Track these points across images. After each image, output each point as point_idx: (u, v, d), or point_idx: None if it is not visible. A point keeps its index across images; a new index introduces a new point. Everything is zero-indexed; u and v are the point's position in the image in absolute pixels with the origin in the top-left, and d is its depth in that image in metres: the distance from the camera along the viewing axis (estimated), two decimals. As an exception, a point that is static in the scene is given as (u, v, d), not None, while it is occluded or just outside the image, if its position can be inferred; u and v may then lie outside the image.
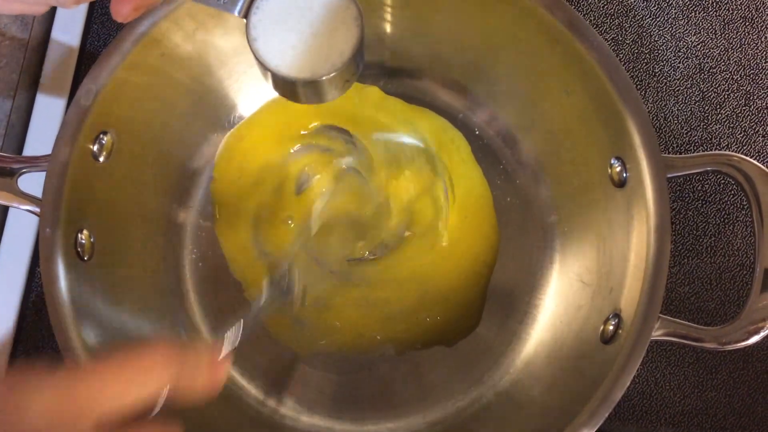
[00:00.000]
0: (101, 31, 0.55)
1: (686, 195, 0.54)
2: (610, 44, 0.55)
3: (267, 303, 0.47)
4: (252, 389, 0.50)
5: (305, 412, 0.50)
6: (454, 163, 0.52)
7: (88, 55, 0.55)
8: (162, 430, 0.29)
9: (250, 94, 0.52)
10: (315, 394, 0.50)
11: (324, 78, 0.35)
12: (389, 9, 0.49)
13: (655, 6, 0.56)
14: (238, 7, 0.34)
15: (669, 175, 0.42)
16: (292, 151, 0.52)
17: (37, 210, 0.42)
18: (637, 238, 0.43)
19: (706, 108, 0.55)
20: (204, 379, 0.31)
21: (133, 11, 0.32)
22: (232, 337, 0.36)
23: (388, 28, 0.51)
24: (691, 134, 0.54)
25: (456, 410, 0.49)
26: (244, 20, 0.34)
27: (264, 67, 0.35)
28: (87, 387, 0.27)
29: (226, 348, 0.35)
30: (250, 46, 0.34)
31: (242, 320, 0.37)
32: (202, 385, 0.31)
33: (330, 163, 0.52)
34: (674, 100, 0.55)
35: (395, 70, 0.53)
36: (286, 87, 0.36)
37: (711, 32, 0.56)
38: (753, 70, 0.55)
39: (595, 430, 0.40)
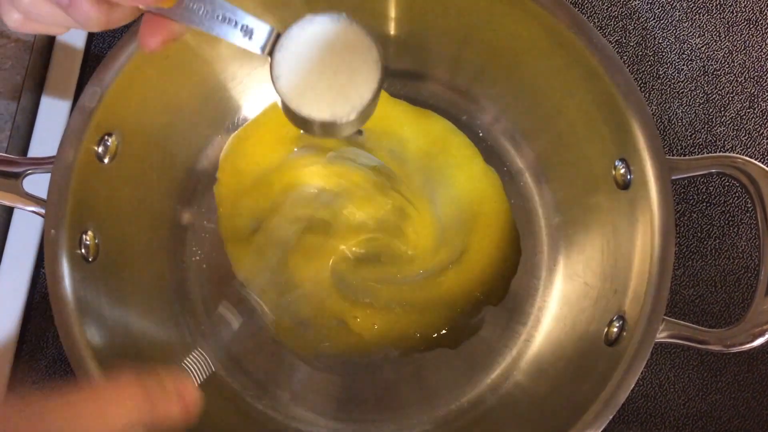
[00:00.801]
0: (106, 34, 0.55)
1: (690, 197, 0.54)
2: (614, 47, 0.55)
3: (233, 328, 0.46)
4: (255, 391, 0.50)
5: (308, 414, 0.50)
6: (459, 165, 0.52)
7: (92, 57, 0.55)
8: None
9: (253, 96, 0.52)
10: (318, 396, 0.50)
11: (343, 120, 0.35)
12: (394, 11, 0.49)
13: (659, 8, 0.56)
14: (261, 45, 0.34)
15: (673, 177, 0.42)
16: (295, 150, 0.52)
17: (42, 211, 0.42)
18: (641, 240, 0.43)
19: (711, 110, 0.55)
20: (175, 408, 0.32)
21: (161, 44, 0.33)
22: (195, 365, 0.37)
23: (392, 30, 0.51)
24: (695, 136, 0.54)
25: (459, 412, 0.49)
26: (269, 58, 0.34)
27: (285, 105, 0.35)
28: (52, 422, 0.28)
29: (193, 376, 0.36)
30: (273, 84, 0.34)
31: (202, 351, 0.38)
32: (174, 415, 0.32)
33: (332, 164, 0.52)
34: (678, 102, 0.55)
35: (399, 72, 0.53)
36: (304, 123, 0.36)
37: (715, 35, 0.56)
38: (757, 72, 0.55)
39: (599, 432, 0.40)
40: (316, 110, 0.35)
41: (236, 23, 0.33)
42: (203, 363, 0.37)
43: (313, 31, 0.35)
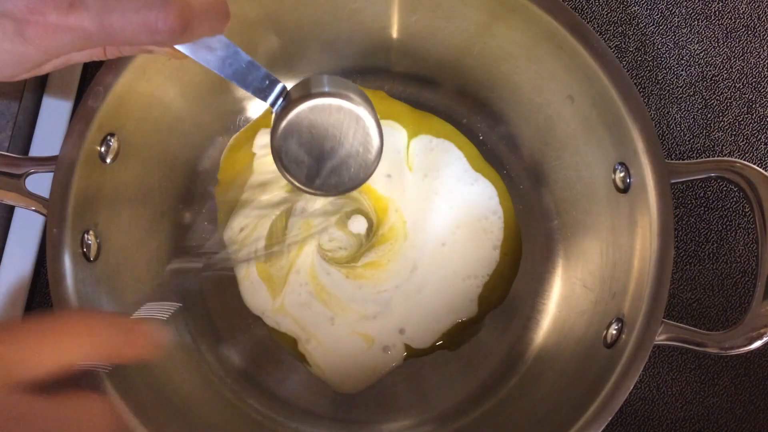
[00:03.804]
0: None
1: (689, 202, 0.54)
2: (613, 52, 0.55)
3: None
4: (254, 391, 0.50)
5: (307, 416, 0.50)
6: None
7: (95, 58, 0.55)
8: (92, 404, 0.29)
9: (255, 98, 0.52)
10: (317, 397, 0.50)
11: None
12: (395, 15, 0.50)
13: (658, 14, 0.56)
14: (270, 101, 0.37)
15: (672, 181, 0.42)
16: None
17: (44, 210, 0.42)
18: (640, 243, 0.43)
19: (709, 115, 0.55)
20: (133, 345, 0.31)
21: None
22: (155, 308, 0.36)
23: (394, 33, 0.51)
24: (693, 141, 0.55)
25: (458, 415, 0.49)
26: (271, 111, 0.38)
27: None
28: (4, 349, 0.27)
29: (151, 317, 0.36)
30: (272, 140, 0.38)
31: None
32: (133, 351, 0.31)
33: None
34: (677, 107, 0.55)
35: (400, 74, 0.53)
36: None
37: (713, 41, 0.56)
38: (755, 78, 0.55)
39: (598, 434, 0.40)
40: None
41: (253, 75, 0.35)
42: (162, 307, 0.37)
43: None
